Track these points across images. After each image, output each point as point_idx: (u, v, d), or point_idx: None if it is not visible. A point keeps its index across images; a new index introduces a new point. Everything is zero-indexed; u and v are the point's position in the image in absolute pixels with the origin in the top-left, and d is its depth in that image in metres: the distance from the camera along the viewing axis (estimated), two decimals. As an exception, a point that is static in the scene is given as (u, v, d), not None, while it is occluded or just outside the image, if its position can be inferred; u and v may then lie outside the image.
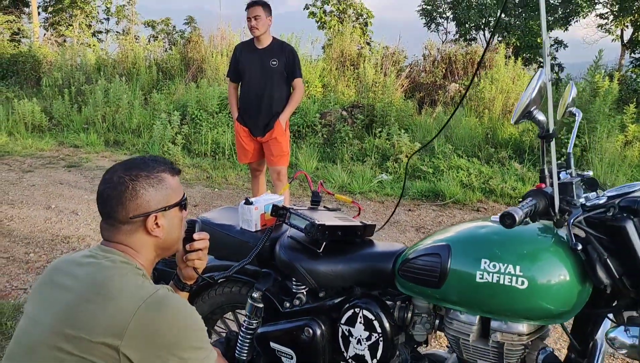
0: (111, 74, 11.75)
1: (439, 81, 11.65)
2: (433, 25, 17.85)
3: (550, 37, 16.97)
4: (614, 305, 1.47)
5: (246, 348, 1.91)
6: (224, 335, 2.16)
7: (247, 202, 1.93)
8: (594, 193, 1.54)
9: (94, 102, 9.86)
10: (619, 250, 1.38)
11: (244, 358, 1.92)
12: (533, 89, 1.26)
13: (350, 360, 1.74)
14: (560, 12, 16.10)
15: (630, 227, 1.37)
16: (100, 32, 20.12)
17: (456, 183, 6.10)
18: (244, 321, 1.91)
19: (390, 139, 7.38)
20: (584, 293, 1.45)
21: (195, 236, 1.61)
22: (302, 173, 2.11)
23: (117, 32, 19.41)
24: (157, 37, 18.49)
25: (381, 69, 10.95)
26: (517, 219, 1.27)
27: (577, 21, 15.86)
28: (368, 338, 1.70)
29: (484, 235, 1.57)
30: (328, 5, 16.85)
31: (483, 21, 17.30)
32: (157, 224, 1.41)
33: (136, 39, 15.94)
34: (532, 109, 1.28)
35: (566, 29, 16.42)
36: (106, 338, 1.23)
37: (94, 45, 15.88)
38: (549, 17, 16.48)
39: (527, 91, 1.28)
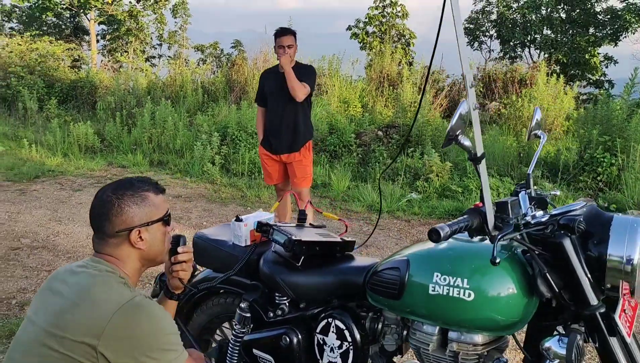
0: (160, 97, 12.32)
1: (479, 100, 11.64)
2: (476, 44, 17.76)
3: (599, 54, 16.59)
4: (560, 317, 1.54)
5: (236, 355, 2.07)
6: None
7: (238, 219, 2.11)
8: (542, 211, 1.62)
9: (142, 125, 10.37)
10: (559, 266, 1.46)
11: (234, 362, 2.08)
12: (453, 118, 1.38)
13: (324, 367, 1.87)
14: (608, 28, 15.74)
15: (567, 244, 1.45)
16: (154, 57, 21.06)
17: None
18: (234, 329, 2.07)
19: (422, 159, 7.44)
20: (530, 305, 1.53)
21: (180, 249, 1.79)
22: (292, 193, 2.26)
23: (168, 56, 20.25)
24: (206, 60, 19.17)
25: (419, 89, 11.03)
26: (442, 234, 1.38)
27: (626, 37, 15.45)
28: (340, 347, 1.83)
29: (441, 250, 1.67)
30: (370, 26, 17.08)
31: (528, 38, 17.10)
32: (140, 237, 1.60)
33: (186, 62, 16.64)
34: (457, 135, 1.40)
35: (616, 45, 16.01)
36: (86, 338, 1.41)
37: (146, 69, 16.64)
38: (598, 33, 16.14)
39: (452, 120, 1.41)
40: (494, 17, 17.49)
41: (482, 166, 1.45)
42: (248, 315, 2.03)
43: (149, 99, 11.53)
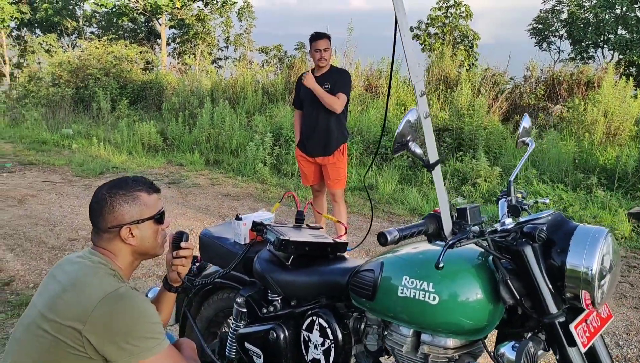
0: (220, 98, 12.73)
1: (541, 103, 11.24)
2: (545, 45, 17.12)
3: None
4: (527, 325, 1.53)
5: (234, 347, 2.17)
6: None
7: (238, 218, 2.21)
8: (510, 219, 1.62)
9: (201, 125, 10.78)
10: (521, 273, 1.46)
11: (233, 356, 2.18)
12: (400, 125, 1.40)
13: (309, 362, 1.94)
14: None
15: (528, 251, 1.45)
16: (220, 59, 21.74)
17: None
18: (232, 323, 2.18)
19: (470, 163, 7.32)
20: (497, 312, 1.53)
21: (182, 244, 1.91)
22: (291, 193, 2.35)
23: (234, 59, 20.85)
24: (270, 62, 19.58)
25: (479, 91, 10.81)
26: (389, 238, 1.41)
27: None
28: (322, 344, 1.89)
29: (412, 254, 1.70)
30: (433, 27, 16.86)
31: (601, 38, 16.31)
32: (131, 234, 1.72)
33: (249, 64, 17.08)
34: (406, 142, 1.42)
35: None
36: (73, 322, 1.55)
37: (210, 71, 17.22)
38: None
39: (398, 126, 1.43)
40: (564, 16, 16.79)
41: (437, 173, 1.47)
42: (244, 310, 2.13)
43: (208, 100, 11.94)
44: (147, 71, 18.63)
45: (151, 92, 15.45)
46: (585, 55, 16.83)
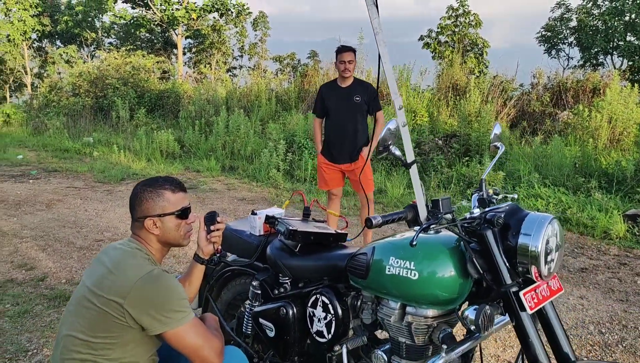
0: (235, 106, 13.16)
1: (548, 110, 11.47)
2: (554, 52, 17.35)
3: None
4: (489, 296, 1.85)
5: (250, 324, 2.52)
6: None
7: (253, 213, 2.56)
8: (478, 210, 1.94)
9: (217, 132, 11.19)
10: (484, 252, 1.79)
11: (249, 332, 2.53)
12: (382, 132, 1.73)
13: (314, 334, 2.27)
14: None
15: (489, 234, 1.77)
16: (235, 68, 22.25)
17: (532, 211, 6.21)
18: (248, 304, 2.53)
19: (476, 168, 7.62)
20: (466, 285, 1.85)
21: (218, 219, 2.26)
22: (299, 192, 2.69)
23: (249, 67, 21.36)
24: (284, 70, 20.03)
25: (487, 98, 11.09)
26: (374, 222, 1.73)
27: None
28: (325, 318, 2.22)
29: (398, 239, 2.02)
30: (443, 36, 17.18)
31: (611, 45, 16.50)
32: (155, 225, 2.05)
33: (263, 73, 17.53)
34: (387, 146, 1.75)
35: None
36: (116, 297, 1.89)
37: (226, 80, 17.70)
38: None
39: (380, 134, 1.76)
40: (573, 24, 17.03)
41: (413, 170, 1.80)
42: (259, 291, 2.47)
43: (224, 108, 12.36)
44: (164, 80, 19.17)
45: (168, 101, 15.93)
46: (594, 62, 17.04)
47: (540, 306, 1.75)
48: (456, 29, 17.01)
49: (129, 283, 1.88)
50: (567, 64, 17.05)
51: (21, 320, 3.83)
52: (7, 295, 4.27)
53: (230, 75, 20.78)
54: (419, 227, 1.75)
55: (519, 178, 7.34)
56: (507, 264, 1.77)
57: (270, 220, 2.44)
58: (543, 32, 17.23)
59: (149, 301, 1.88)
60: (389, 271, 1.95)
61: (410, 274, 1.89)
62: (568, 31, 17.09)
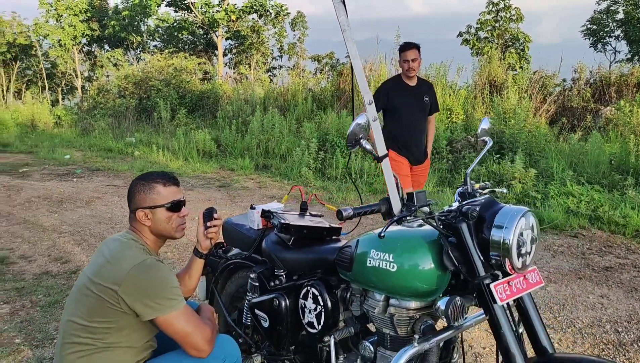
0: (272, 106, 13.33)
1: (590, 106, 11.13)
2: (600, 46, 16.77)
3: None
4: (466, 289, 1.86)
5: (249, 315, 2.59)
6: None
7: (252, 207, 2.64)
8: (456, 203, 1.95)
9: (252, 131, 11.38)
10: (459, 244, 1.80)
11: (248, 323, 2.60)
12: (351, 126, 1.76)
13: (306, 325, 2.32)
14: None
15: (463, 227, 1.78)
16: (274, 68, 22.50)
17: (562, 209, 6.08)
18: (246, 295, 2.61)
19: (506, 165, 7.49)
20: (444, 278, 1.87)
21: (215, 216, 2.35)
22: (298, 187, 2.75)
23: (288, 67, 21.58)
24: (322, 70, 20.12)
25: (526, 94, 10.85)
26: (345, 215, 1.77)
27: None
28: (315, 309, 2.26)
29: (382, 233, 2.05)
30: (482, 31, 16.88)
31: (661, 37, 15.85)
32: (147, 217, 2.16)
33: (302, 72, 17.67)
34: (358, 140, 1.78)
35: None
36: (111, 284, 2.00)
37: (264, 80, 17.93)
38: None
39: (350, 128, 1.79)
40: (620, 16, 16.42)
41: (384, 164, 1.83)
42: (256, 284, 2.54)
43: (259, 108, 12.54)
44: (205, 82, 19.58)
45: (208, 102, 16.27)
46: (644, 55, 16.40)
47: (512, 298, 1.75)
48: (496, 24, 16.68)
49: (123, 272, 1.99)
50: (614, 58, 16.47)
51: (51, 310, 4.04)
52: (41, 287, 4.50)
53: (269, 75, 21.04)
54: (389, 219, 1.78)
55: (551, 176, 7.17)
56: (481, 257, 1.78)
57: (265, 214, 2.51)
58: (588, 26, 16.70)
59: (141, 288, 1.99)
60: (369, 263, 1.99)
61: (389, 266, 1.92)
62: (614, 24, 16.49)
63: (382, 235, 1.72)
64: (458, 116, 11.19)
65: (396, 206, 1.82)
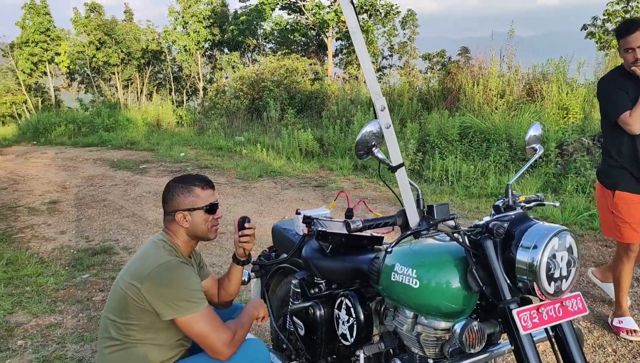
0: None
1: None
2: None
3: None
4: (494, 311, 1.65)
5: (290, 321, 2.56)
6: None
7: (297, 213, 2.59)
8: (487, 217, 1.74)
9: (353, 131, 11.36)
10: (484, 264, 1.61)
11: (292, 329, 2.57)
12: (359, 135, 1.62)
13: (340, 337, 2.23)
14: None
15: (488, 245, 1.59)
16: (385, 67, 22.32)
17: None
18: (290, 301, 2.57)
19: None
20: (471, 298, 1.69)
21: (246, 225, 2.36)
22: (344, 193, 2.65)
23: (398, 66, 21.29)
24: (432, 68, 19.63)
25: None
26: (352, 227, 1.64)
27: None
28: (348, 321, 2.17)
29: (410, 247, 1.90)
30: (610, 23, 15.47)
31: None
32: (185, 219, 2.20)
33: (412, 71, 17.35)
34: (370, 148, 1.63)
35: None
36: (135, 282, 2.07)
37: (372, 80, 17.81)
38: None
39: (358, 136, 1.64)
40: None
41: (400, 174, 1.68)
42: (299, 290, 2.49)
43: (364, 108, 12.47)
44: (316, 82, 19.90)
45: (316, 102, 16.51)
46: None
47: (541, 328, 1.54)
48: (627, 15, 15.18)
49: (147, 270, 2.06)
50: None
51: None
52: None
53: (379, 75, 20.90)
54: (401, 234, 1.65)
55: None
56: (507, 279, 1.59)
57: (307, 220, 2.45)
58: None
59: (162, 288, 2.04)
60: (394, 277, 1.87)
61: (412, 282, 1.79)
62: None
63: (390, 250, 1.59)
64: (576, 116, 10.35)
65: (413, 219, 1.68)
